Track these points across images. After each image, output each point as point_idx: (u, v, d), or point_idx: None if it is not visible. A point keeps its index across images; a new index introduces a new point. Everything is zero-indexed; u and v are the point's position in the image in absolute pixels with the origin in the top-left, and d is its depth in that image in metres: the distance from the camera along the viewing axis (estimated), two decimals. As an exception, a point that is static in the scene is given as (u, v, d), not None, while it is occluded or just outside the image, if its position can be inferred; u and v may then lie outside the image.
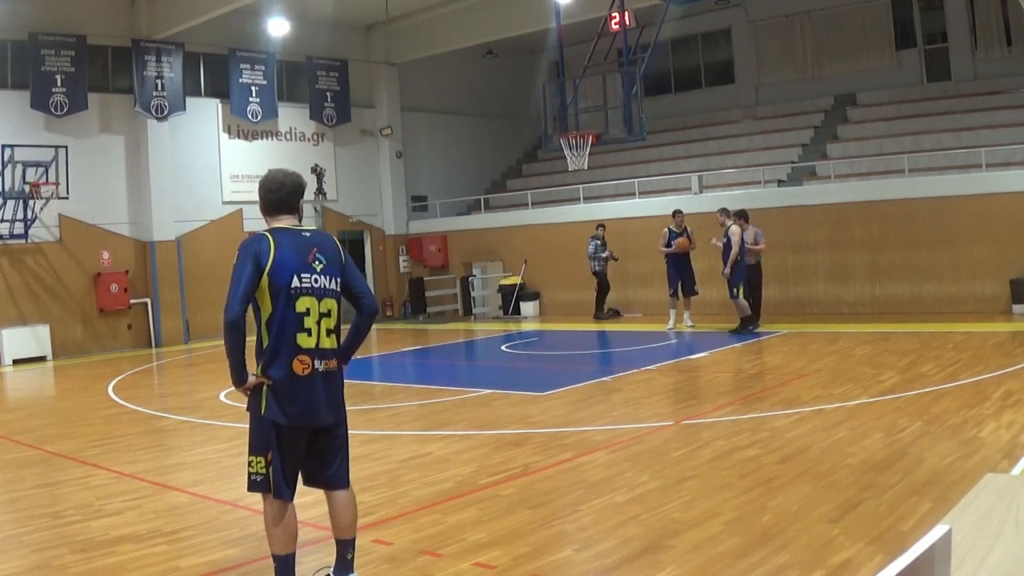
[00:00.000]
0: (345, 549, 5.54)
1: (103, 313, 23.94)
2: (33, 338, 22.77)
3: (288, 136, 27.54)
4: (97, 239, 23.92)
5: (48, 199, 22.33)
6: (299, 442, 5.32)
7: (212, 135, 26.13)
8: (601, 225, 23.84)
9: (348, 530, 5.53)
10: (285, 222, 5.38)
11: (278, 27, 25.28)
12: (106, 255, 23.86)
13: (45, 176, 22.18)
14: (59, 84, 23.14)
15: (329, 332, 5.34)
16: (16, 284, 22.84)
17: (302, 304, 5.20)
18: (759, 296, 19.90)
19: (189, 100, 25.30)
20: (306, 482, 5.55)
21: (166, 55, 24.69)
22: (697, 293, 21.05)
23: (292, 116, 27.58)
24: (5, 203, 22.26)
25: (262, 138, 26.95)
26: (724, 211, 18.67)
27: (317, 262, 5.27)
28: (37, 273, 23.19)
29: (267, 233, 5.29)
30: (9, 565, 6.67)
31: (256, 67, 26.50)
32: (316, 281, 5.24)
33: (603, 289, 23.90)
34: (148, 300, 24.67)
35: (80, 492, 8.79)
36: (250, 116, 26.40)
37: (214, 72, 26.34)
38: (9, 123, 22.53)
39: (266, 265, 5.12)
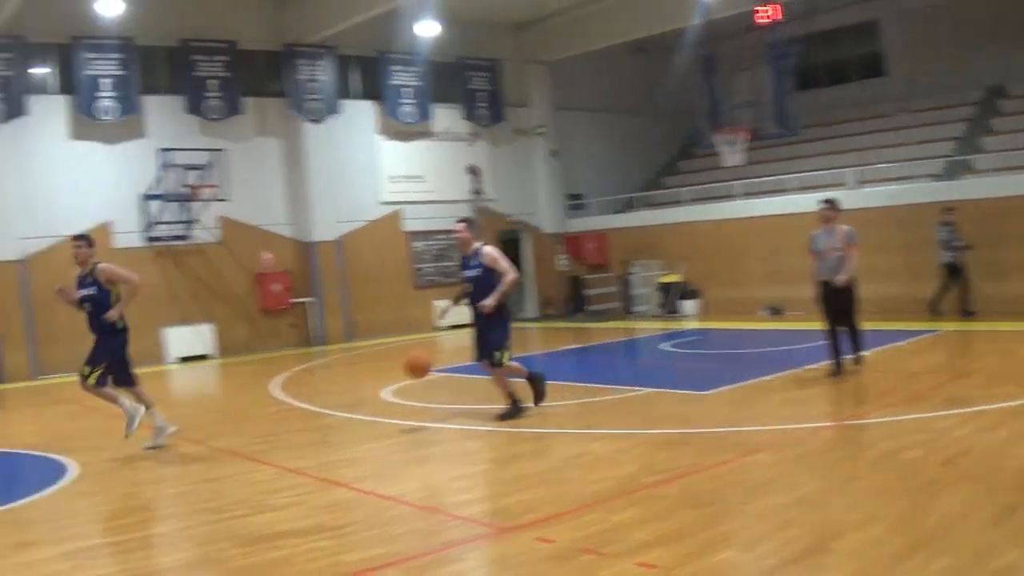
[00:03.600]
0: None
1: (266, 312, 23.77)
2: (197, 337, 22.69)
3: (443, 136, 26.83)
4: (258, 240, 23.69)
5: (208, 201, 22.27)
6: None
7: (368, 137, 25.63)
8: (950, 208, 19.78)
9: None
10: None
11: (428, 28, 24.87)
12: (267, 255, 23.50)
13: (204, 179, 22.07)
14: (213, 89, 23.03)
15: None
16: (179, 284, 22.78)
17: None
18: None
19: (343, 103, 25.02)
20: None
21: (318, 59, 24.43)
22: None
23: (446, 117, 26.95)
24: (167, 205, 22.15)
25: (417, 139, 26.34)
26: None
27: None
28: (200, 274, 23.13)
29: None
30: (174, 558, 6.69)
31: (408, 69, 25.94)
32: None
33: (954, 282, 19.61)
34: (310, 299, 24.27)
35: (245, 487, 8.65)
36: (404, 117, 25.84)
37: (367, 74, 25.89)
38: (166, 127, 22.57)
39: None
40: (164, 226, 22.44)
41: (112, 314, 10.87)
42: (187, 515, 7.97)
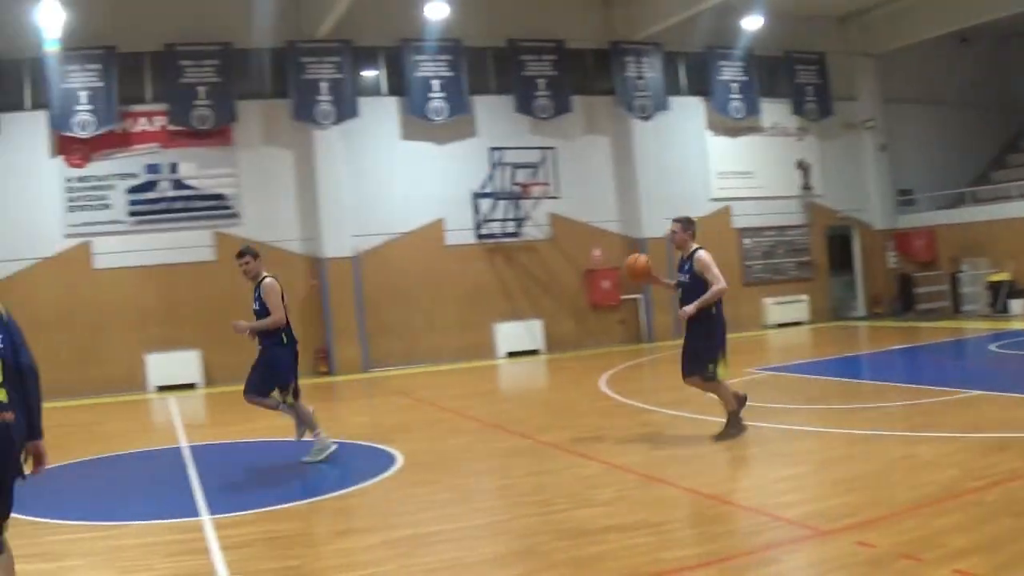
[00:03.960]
0: None
1: (595, 308, 23.05)
2: (527, 332, 22.32)
3: (771, 131, 25.64)
4: (587, 237, 23.03)
5: (538, 199, 21.97)
6: None
7: (697, 133, 24.70)
8: None
9: None
10: None
11: (752, 22, 23.85)
12: (597, 252, 22.95)
13: (534, 176, 21.85)
14: (542, 88, 22.66)
15: None
16: (510, 280, 22.50)
17: None
18: None
19: (672, 99, 24.09)
20: None
21: (645, 56, 23.61)
22: None
23: (774, 111, 25.66)
24: (497, 203, 22.08)
25: (746, 134, 25.16)
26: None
27: None
28: (530, 270, 22.70)
29: None
30: (496, 549, 6.67)
31: (734, 64, 24.79)
32: None
33: None
34: (638, 296, 23.44)
35: (569, 482, 8.48)
36: (732, 112, 24.67)
37: (694, 70, 24.86)
38: (496, 127, 22.38)
39: None
40: (495, 223, 22.31)
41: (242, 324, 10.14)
42: (510, 507, 7.83)
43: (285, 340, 10.07)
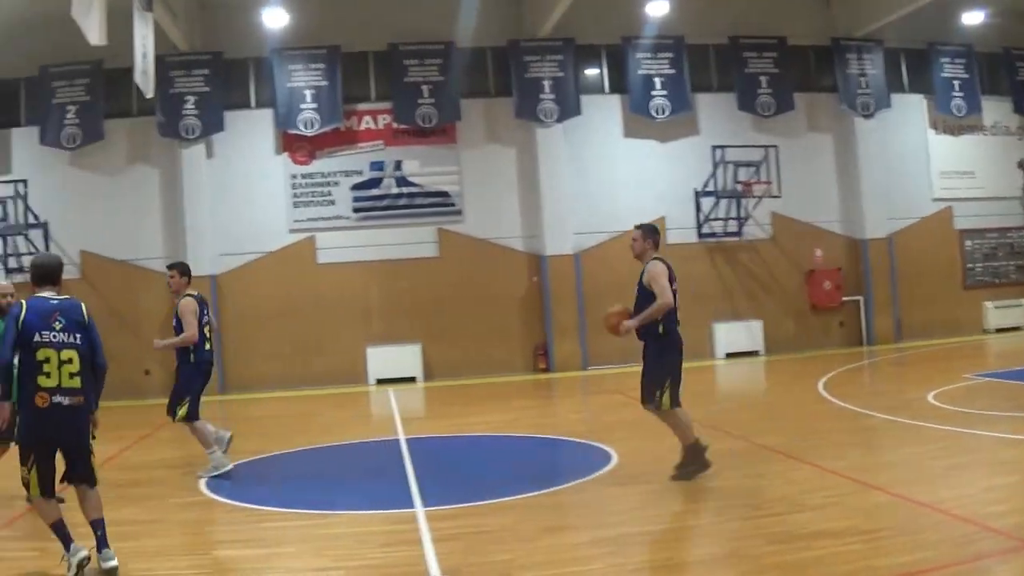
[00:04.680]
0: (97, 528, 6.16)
1: (815, 310, 21.22)
2: (746, 333, 20.67)
3: (992, 130, 23.62)
4: (809, 236, 21.24)
5: (760, 198, 20.06)
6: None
7: (919, 132, 22.77)
8: None
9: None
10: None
11: (973, 18, 21.70)
12: (818, 252, 21.24)
13: (756, 175, 19.91)
14: (764, 85, 21.32)
15: (72, 375, 6.01)
16: (730, 280, 20.77)
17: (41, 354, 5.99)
18: None
19: (893, 97, 22.19)
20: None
21: (866, 52, 21.65)
22: None
23: (995, 110, 23.55)
24: (719, 202, 20.05)
25: (967, 133, 23.06)
26: None
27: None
28: (751, 270, 20.98)
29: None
30: (705, 551, 6.42)
31: (956, 60, 22.63)
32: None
33: None
34: (860, 298, 21.60)
35: (783, 485, 8.03)
36: (954, 111, 22.46)
37: (914, 67, 22.88)
38: (719, 125, 20.79)
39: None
40: (716, 222, 20.54)
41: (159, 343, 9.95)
42: (723, 510, 7.41)
43: (193, 358, 9.81)
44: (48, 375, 6.04)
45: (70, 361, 6.11)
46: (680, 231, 19.56)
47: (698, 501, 7.88)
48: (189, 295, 9.90)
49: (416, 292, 19.47)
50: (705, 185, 19.46)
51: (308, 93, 18.86)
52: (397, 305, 18.93)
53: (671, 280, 8.34)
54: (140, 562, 6.49)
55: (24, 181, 18.55)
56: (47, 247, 18.67)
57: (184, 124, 18.69)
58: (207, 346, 9.83)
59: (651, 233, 8.78)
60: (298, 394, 18.06)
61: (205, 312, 9.82)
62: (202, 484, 8.98)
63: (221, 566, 6.56)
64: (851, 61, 20.58)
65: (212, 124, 18.78)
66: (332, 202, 18.93)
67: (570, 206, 19.08)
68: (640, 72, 19.39)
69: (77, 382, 6.10)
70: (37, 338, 6.05)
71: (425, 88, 19.00)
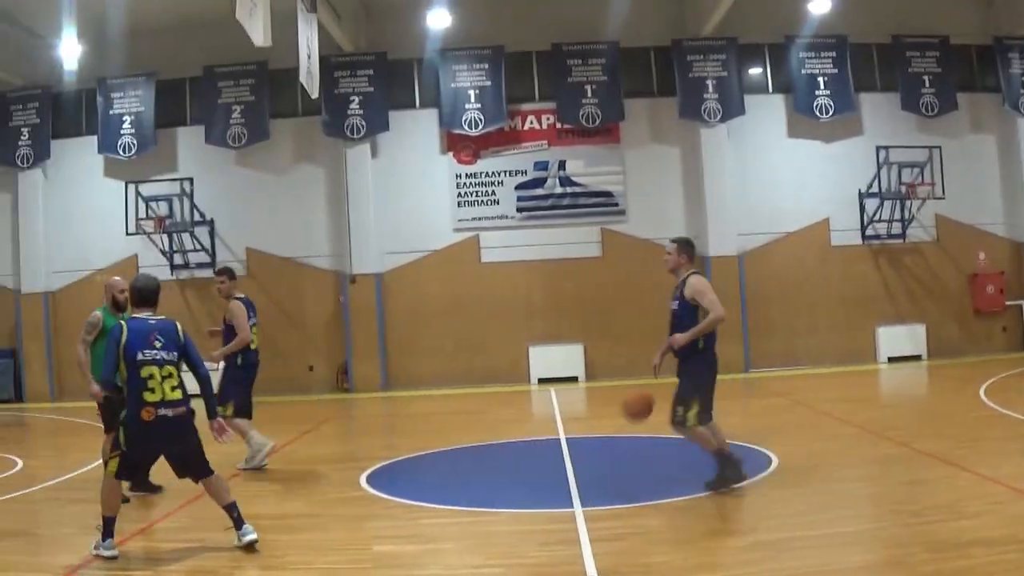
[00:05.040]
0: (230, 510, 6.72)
1: (978, 314, 20.70)
2: (909, 337, 20.25)
3: None
4: (972, 239, 20.77)
5: (924, 199, 19.59)
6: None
7: None
8: None
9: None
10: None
11: None
12: (982, 256, 20.73)
13: (920, 177, 19.49)
14: (927, 85, 20.98)
15: (173, 388, 6.54)
16: (893, 283, 20.38)
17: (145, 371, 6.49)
18: None
19: None
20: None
21: None
22: None
23: None
24: (883, 203, 19.70)
25: None
26: None
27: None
28: (914, 272, 20.58)
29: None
30: (862, 558, 6.19)
31: None
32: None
33: None
34: (1023, 302, 20.96)
35: (942, 492, 7.85)
36: None
37: None
38: (882, 125, 20.45)
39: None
40: (880, 224, 20.20)
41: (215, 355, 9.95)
42: (881, 516, 7.32)
43: (240, 360, 10.10)
44: (152, 390, 6.50)
45: (170, 376, 6.57)
46: (844, 233, 19.30)
47: (858, 507, 7.77)
48: (238, 298, 10.17)
49: (578, 292, 19.35)
50: (869, 186, 19.11)
51: (472, 93, 18.76)
52: (559, 305, 18.77)
53: None
54: (300, 555, 6.66)
55: (190, 179, 18.60)
56: (213, 244, 18.70)
57: (349, 124, 18.66)
58: (253, 346, 10.10)
59: (686, 247, 8.51)
60: (460, 392, 18.15)
61: (253, 314, 10.10)
62: (362, 480, 9.13)
63: (379, 561, 6.61)
64: (1013, 61, 20.18)
65: (377, 124, 18.72)
66: (496, 202, 18.80)
67: (733, 207, 18.88)
68: (803, 71, 19.16)
69: (179, 395, 6.59)
70: (140, 357, 6.50)
71: (589, 88, 18.88)
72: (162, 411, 6.53)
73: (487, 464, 10.35)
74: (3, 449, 12.73)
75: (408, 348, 18.75)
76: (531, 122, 19.17)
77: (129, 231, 18.71)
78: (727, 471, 7.95)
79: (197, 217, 18.67)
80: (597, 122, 18.94)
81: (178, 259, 18.92)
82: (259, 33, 12.55)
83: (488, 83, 18.78)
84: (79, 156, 19.67)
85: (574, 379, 19.06)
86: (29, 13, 19.01)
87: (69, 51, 18.53)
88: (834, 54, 19.43)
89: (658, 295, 18.94)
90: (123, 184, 18.84)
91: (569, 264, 18.93)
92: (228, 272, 10.39)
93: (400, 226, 19.24)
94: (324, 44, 16.27)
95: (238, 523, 6.63)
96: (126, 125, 19.10)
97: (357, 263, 18.64)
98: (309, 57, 14.64)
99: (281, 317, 18.76)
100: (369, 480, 9.18)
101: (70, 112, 20.57)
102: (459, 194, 18.86)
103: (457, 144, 18.98)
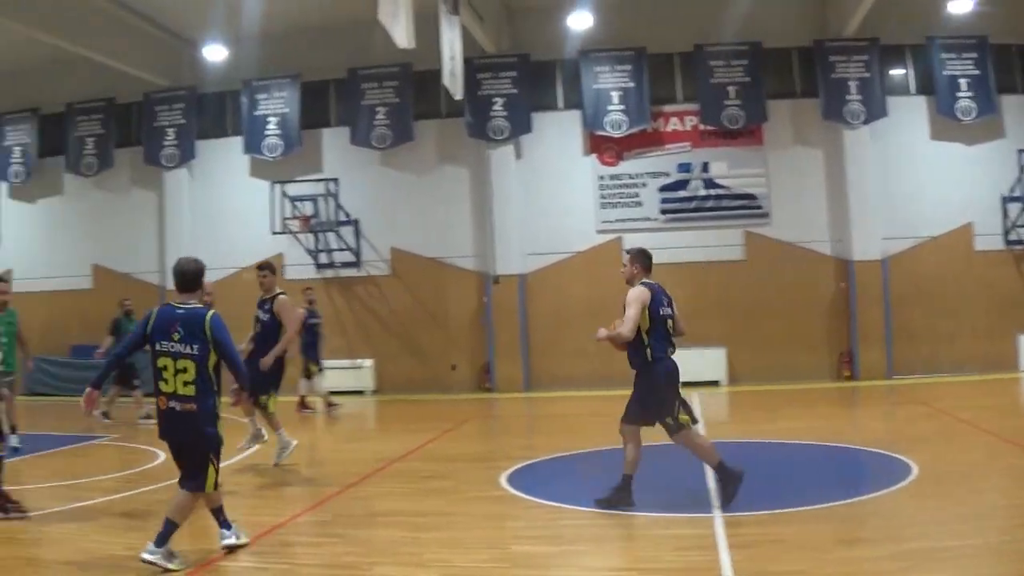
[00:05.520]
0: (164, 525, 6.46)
1: None
2: None
3: None
4: None
5: None
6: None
7: None
8: None
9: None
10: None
11: None
12: None
13: None
14: None
15: (186, 383, 6.37)
16: None
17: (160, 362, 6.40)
18: None
19: None
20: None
21: None
22: None
23: None
24: None
25: None
26: None
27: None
28: None
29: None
30: (1003, 570, 6.12)
31: None
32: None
33: None
34: None
35: None
36: None
37: None
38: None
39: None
40: (1022, 228, 19.99)
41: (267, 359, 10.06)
42: (1014, 529, 7.14)
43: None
44: (166, 381, 6.40)
45: (185, 370, 6.38)
46: (986, 238, 19.08)
47: (1000, 518, 7.56)
48: (282, 293, 10.41)
49: (722, 295, 19.34)
50: (1011, 190, 18.83)
51: (615, 95, 18.75)
52: (702, 308, 18.64)
53: (663, 304, 8.12)
54: (438, 553, 6.69)
55: (335, 179, 18.69)
56: (358, 244, 18.80)
57: (492, 125, 18.65)
58: None
59: (639, 257, 8.42)
60: (601, 394, 17.87)
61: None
62: (502, 479, 9.15)
63: (516, 561, 6.63)
64: None
65: (520, 125, 18.73)
66: (639, 204, 18.80)
67: (877, 210, 18.70)
68: (945, 73, 18.96)
69: (191, 390, 6.39)
70: (158, 347, 6.41)
71: (731, 89, 18.83)
72: (171, 403, 6.45)
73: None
74: (144, 441, 13.11)
75: (550, 349, 18.73)
76: (674, 123, 19.19)
77: (275, 230, 18.52)
78: (623, 494, 7.91)
79: (342, 217, 18.58)
80: (740, 123, 18.88)
81: (323, 258, 18.93)
82: (402, 35, 12.65)
83: (631, 84, 18.78)
84: (224, 156, 19.80)
85: (715, 383, 19.05)
86: (175, 17, 19.52)
87: (213, 54, 19.20)
88: (975, 55, 19.24)
89: (802, 299, 18.86)
90: (268, 184, 18.78)
91: (712, 267, 19.01)
92: (271, 267, 10.64)
93: (543, 227, 19.37)
94: (467, 46, 16.52)
95: (160, 539, 6.53)
96: (271, 126, 19.16)
97: (500, 264, 18.63)
98: (452, 59, 14.69)
99: (425, 317, 18.78)
100: (509, 480, 9.25)
101: (215, 113, 21.02)
102: (602, 196, 18.84)
103: (600, 146, 18.96)
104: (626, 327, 7.77)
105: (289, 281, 19.77)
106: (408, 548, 6.80)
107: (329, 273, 19.22)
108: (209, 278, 17.61)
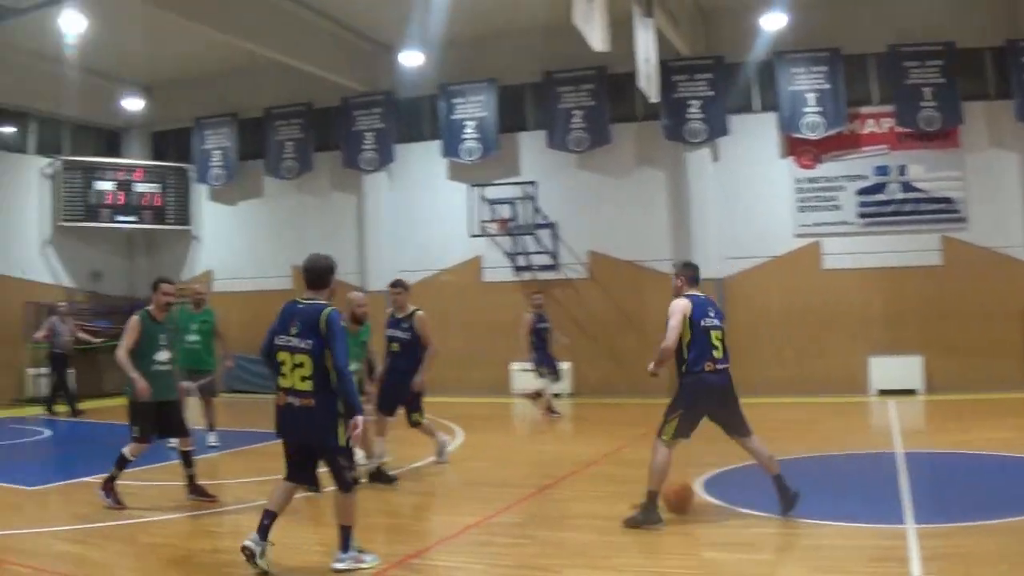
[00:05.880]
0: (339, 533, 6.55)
1: None
2: None
3: None
4: None
5: None
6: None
7: None
8: None
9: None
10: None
11: None
12: None
13: None
14: None
15: (303, 378, 6.45)
16: None
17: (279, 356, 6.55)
18: None
19: None
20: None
21: None
22: None
23: None
24: None
25: None
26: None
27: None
28: None
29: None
30: None
31: None
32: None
33: None
34: None
35: None
36: None
37: None
38: None
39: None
40: None
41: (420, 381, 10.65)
42: None
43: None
44: (284, 376, 6.54)
45: (302, 365, 6.48)
46: None
47: None
48: (418, 310, 10.80)
49: (919, 301, 19.71)
50: None
51: (811, 96, 19.18)
52: (899, 314, 18.95)
53: (705, 315, 8.25)
54: (630, 558, 6.86)
55: (533, 182, 19.12)
56: (555, 247, 19.03)
57: (689, 128, 18.95)
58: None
59: (685, 270, 8.78)
60: (795, 400, 18.58)
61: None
62: (696, 485, 9.20)
63: (706, 568, 6.81)
64: None
65: (717, 128, 19.32)
66: (837, 207, 19.17)
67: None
68: None
69: (308, 385, 6.45)
70: (277, 342, 6.58)
71: (927, 90, 19.10)
72: (289, 398, 6.52)
73: (820, 475, 10.26)
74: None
75: (747, 354, 19.17)
76: (870, 126, 19.41)
77: (472, 233, 18.87)
78: (648, 512, 7.89)
79: (540, 220, 18.83)
80: (936, 126, 19.46)
81: (521, 261, 19.23)
82: (597, 38, 13.13)
83: (827, 86, 19.29)
84: (422, 160, 20.42)
85: (912, 391, 19.31)
86: (372, 23, 20.72)
87: (410, 59, 20.06)
88: None
89: (1002, 306, 18.67)
90: (466, 187, 19.09)
91: (909, 272, 19.75)
92: (403, 285, 11.00)
93: (740, 231, 20.21)
94: (662, 48, 17.26)
95: (343, 546, 6.61)
96: (468, 130, 19.64)
97: (699, 267, 18.54)
98: (647, 61, 15.19)
99: (622, 320, 19.28)
100: (703, 485, 9.38)
101: (412, 117, 22.26)
102: (799, 199, 19.07)
103: (797, 148, 19.47)
104: (668, 339, 8.07)
105: (487, 284, 20.17)
106: (600, 552, 7.00)
107: (526, 276, 19.61)
108: (408, 280, 18.16)
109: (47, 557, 7.34)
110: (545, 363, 16.94)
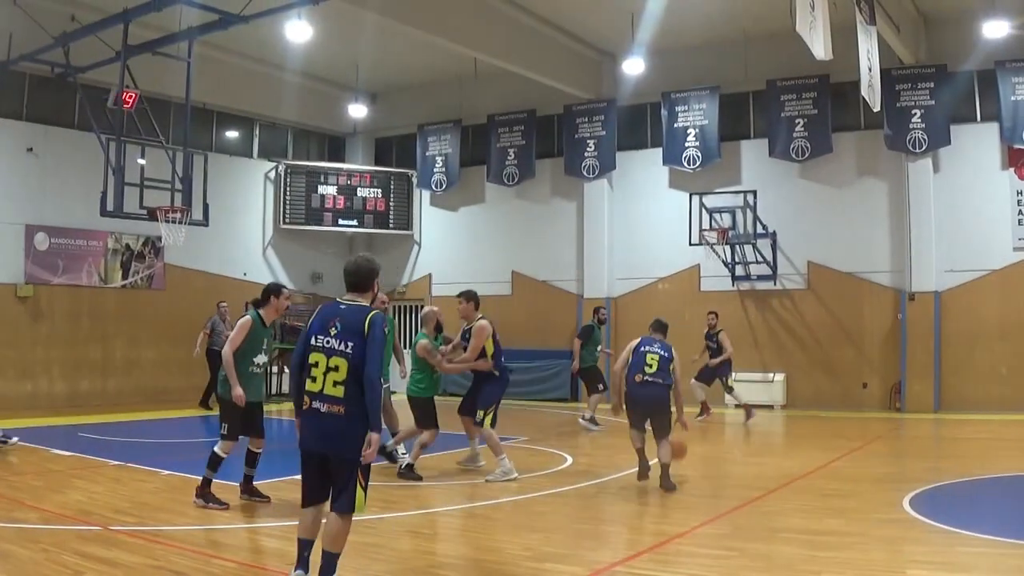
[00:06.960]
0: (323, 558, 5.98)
1: None
2: None
3: None
4: None
5: None
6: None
7: None
8: None
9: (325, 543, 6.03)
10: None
11: None
12: None
13: None
14: None
15: (336, 383, 6.04)
16: None
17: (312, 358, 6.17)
18: None
19: None
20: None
21: None
22: None
23: None
24: None
25: None
26: None
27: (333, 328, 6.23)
28: None
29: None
30: None
31: None
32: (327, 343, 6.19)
33: None
34: None
35: None
36: None
37: None
38: None
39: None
40: None
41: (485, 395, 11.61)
42: None
43: (496, 372, 11.66)
44: (314, 379, 6.21)
45: (336, 369, 6.15)
46: None
47: None
48: (482, 318, 11.47)
49: None
50: None
51: None
52: None
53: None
54: (835, 572, 6.93)
55: (753, 192, 19.67)
56: (774, 257, 20.02)
57: (911, 138, 19.62)
58: (502, 359, 11.89)
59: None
60: (1013, 418, 19.01)
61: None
62: (905, 502, 9.60)
63: None
64: None
65: (938, 138, 19.50)
66: None
67: None
68: None
69: (340, 391, 6.11)
70: (313, 341, 6.29)
71: None
72: (315, 403, 6.14)
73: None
74: (556, 445, 14.67)
75: (962, 369, 19.96)
76: (1090, 138, 19.48)
77: (692, 242, 19.23)
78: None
79: (759, 229, 19.20)
80: None
81: (739, 270, 19.69)
82: (820, 47, 13.86)
83: None
84: (643, 167, 21.17)
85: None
86: (597, 32, 22.37)
87: (632, 67, 21.83)
88: None
89: None
90: (687, 195, 19.46)
91: None
92: (468, 294, 11.53)
93: (961, 244, 22.21)
94: (885, 56, 19.02)
95: (322, 572, 6.21)
96: (690, 138, 20.48)
97: (916, 280, 19.23)
98: (870, 70, 15.59)
99: (838, 332, 20.07)
100: (912, 502, 9.64)
101: (633, 125, 24.63)
102: (1020, 211, 18.83)
103: (1019, 159, 19.05)
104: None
105: (705, 292, 20.33)
106: (805, 566, 7.22)
107: (745, 286, 20.07)
108: (625, 288, 18.00)
109: (248, 552, 8.04)
110: (719, 375, 19.02)
